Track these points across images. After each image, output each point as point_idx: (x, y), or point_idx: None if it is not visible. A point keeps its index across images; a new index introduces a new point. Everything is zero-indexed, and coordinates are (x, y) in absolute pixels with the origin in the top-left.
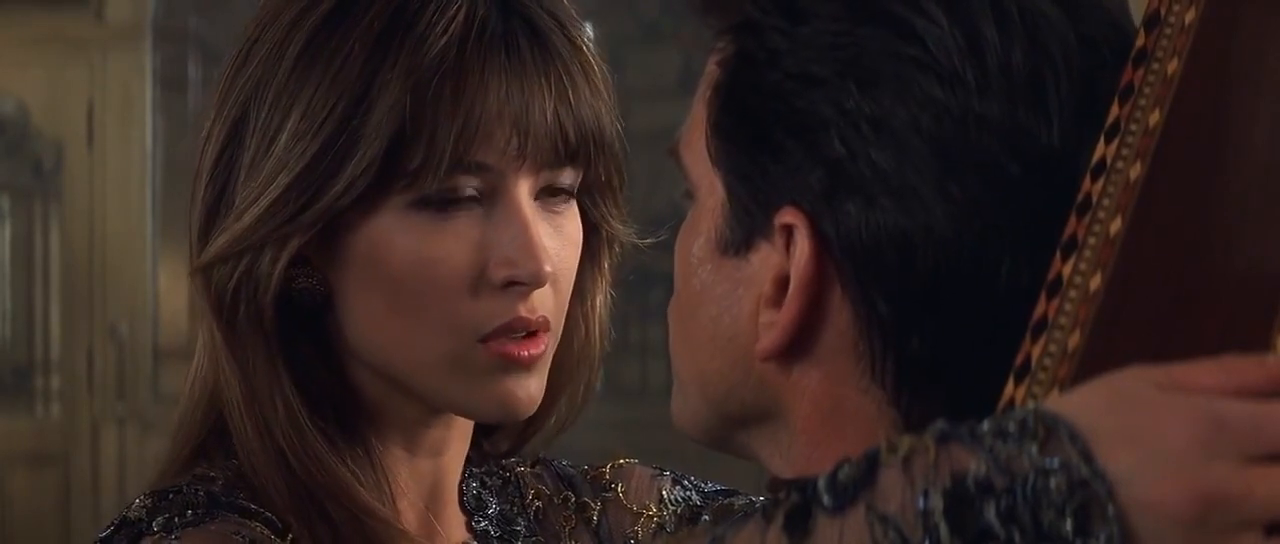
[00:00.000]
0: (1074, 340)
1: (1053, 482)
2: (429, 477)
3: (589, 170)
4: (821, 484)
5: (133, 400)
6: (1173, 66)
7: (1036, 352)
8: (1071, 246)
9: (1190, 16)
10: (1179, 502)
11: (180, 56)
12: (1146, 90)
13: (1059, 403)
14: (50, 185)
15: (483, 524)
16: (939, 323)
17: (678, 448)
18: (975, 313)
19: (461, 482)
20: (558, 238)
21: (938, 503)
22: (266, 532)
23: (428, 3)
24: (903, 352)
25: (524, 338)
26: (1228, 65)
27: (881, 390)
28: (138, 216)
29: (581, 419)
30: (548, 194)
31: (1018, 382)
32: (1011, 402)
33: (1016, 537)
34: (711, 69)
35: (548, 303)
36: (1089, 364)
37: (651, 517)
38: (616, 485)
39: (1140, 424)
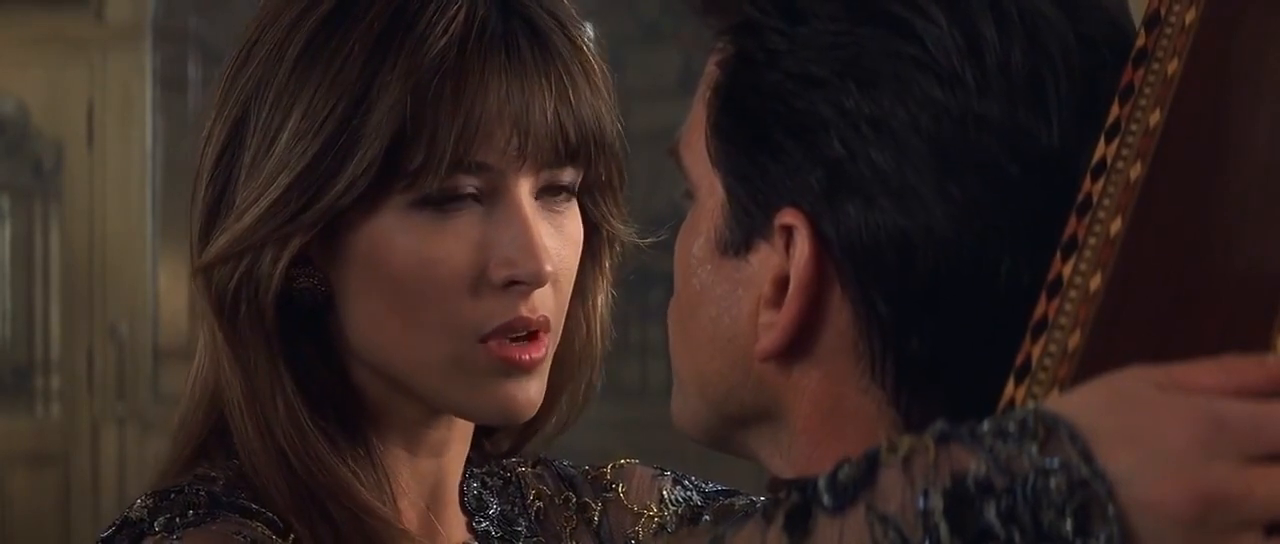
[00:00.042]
0: (1074, 340)
1: (1053, 482)
2: (430, 477)
3: (589, 170)
4: (821, 484)
5: (133, 400)
6: (1173, 66)
7: (1036, 352)
8: (1071, 246)
9: (1190, 16)
10: (1179, 502)
11: (180, 56)
12: (1147, 90)
13: (1059, 403)
14: (50, 185)
15: (484, 525)
16: (938, 323)
17: (678, 448)
18: (975, 313)
19: (462, 482)
20: (558, 237)
21: (938, 503)
22: (268, 532)
23: (428, 3)
24: (902, 352)
25: (525, 342)
26: (1228, 65)
27: (881, 390)
28: (138, 216)
29: (582, 419)
30: (548, 194)
31: (1018, 382)
32: (1011, 402)
33: (1016, 537)
34: (711, 70)
35: (548, 302)
36: (1089, 364)
37: (652, 517)
38: (617, 486)
39: (1140, 424)
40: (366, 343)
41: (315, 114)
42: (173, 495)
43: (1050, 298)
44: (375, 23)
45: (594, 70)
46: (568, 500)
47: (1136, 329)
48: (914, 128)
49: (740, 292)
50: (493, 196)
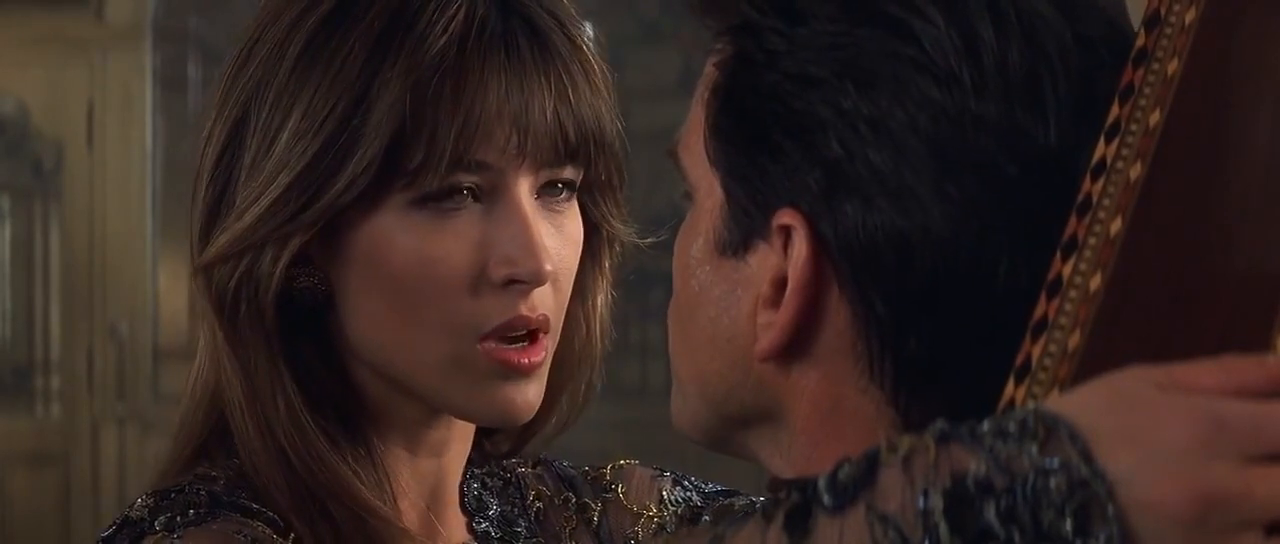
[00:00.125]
0: (1074, 340)
1: (1053, 482)
2: (430, 477)
3: (589, 169)
4: (821, 484)
5: (133, 400)
6: (1173, 66)
7: (1036, 352)
8: (1071, 246)
9: (1190, 16)
10: (1179, 502)
11: (180, 56)
12: (1146, 90)
13: (1059, 403)
14: (50, 185)
15: (483, 525)
16: (937, 323)
17: (678, 448)
18: (973, 313)
19: (462, 483)
20: (558, 237)
21: (938, 503)
22: (268, 531)
23: (428, 2)
24: (900, 352)
25: (524, 344)
26: (1228, 65)
27: (880, 391)
28: (138, 216)
29: (581, 419)
30: (548, 193)
31: (1018, 382)
32: (1011, 402)
33: (1016, 537)
34: (709, 71)
35: (548, 302)
36: (1089, 364)
37: (652, 517)
38: (617, 486)
39: (1140, 424)
40: (366, 342)
41: (315, 113)
42: (173, 495)
43: (1050, 298)
44: (375, 22)
45: (593, 70)
46: (567, 501)
47: (1136, 329)
48: (912, 128)
49: (739, 292)
50: (492, 195)
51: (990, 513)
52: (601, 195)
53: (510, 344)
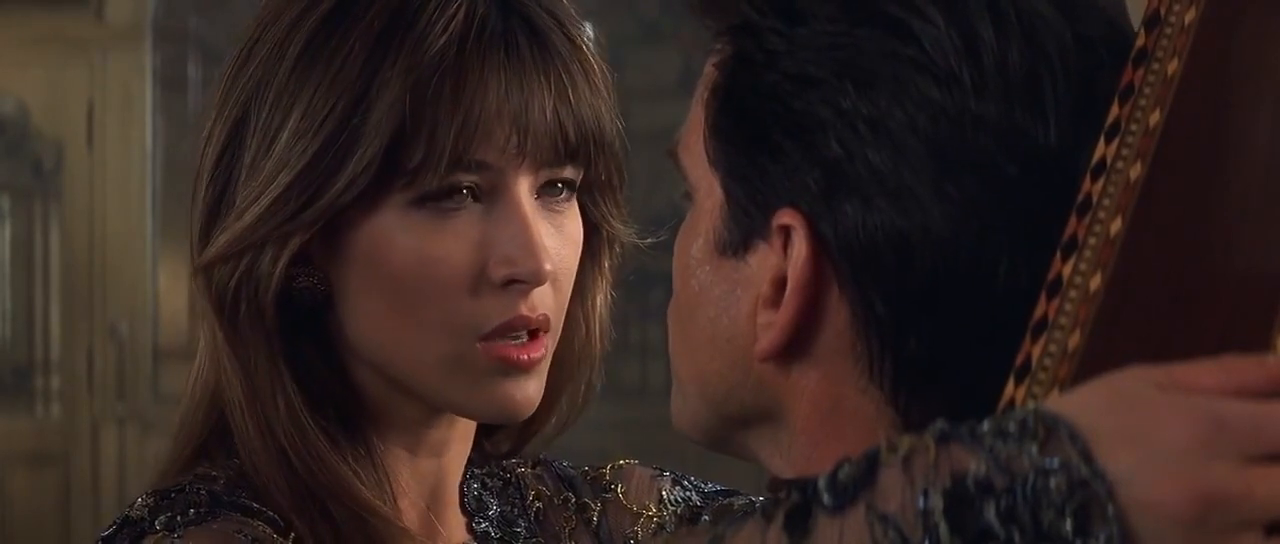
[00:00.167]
0: (1074, 340)
1: (1053, 482)
2: (430, 477)
3: (589, 169)
4: (822, 484)
5: (133, 400)
6: (1173, 66)
7: (1036, 352)
8: (1071, 246)
9: (1190, 16)
10: (1179, 502)
11: (180, 56)
12: (1146, 90)
13: (1059, 403)
14: (50, 185)
15: (483, 525)
16: (936, 323)
17: (678, 448)
18: (973, 313)
19: (462, 483)
20: (558, 237)
21: (938, 503)
22: (269, 531)
23: (427, 2)
24: (900, 352)
25: (524, 342)
26: (1228, 65)
27: (879, 391)
28: (138, 216)
29: (581, 419)
30: (548, 193)
31: (1018, 382)
32: (1011, 402)
33: (1016, 537)
34: (709, 71)
35: (548, 301)
36: (1089, 364)
37: (651, 517)
38: (616, 486)
39: (1140, 424)
40: (366, 342)
41: (315, 113)
42: (174, 494)
43: (1050, 298)
44: (375, 22)
45: (593, 69)
46: (567, 501)
47: (1136, 329)
48: (911, 128)
49: (739, 292)
50: (492, 195)
51: (990, 513)
52: (601, 195)
53: (511, 340)
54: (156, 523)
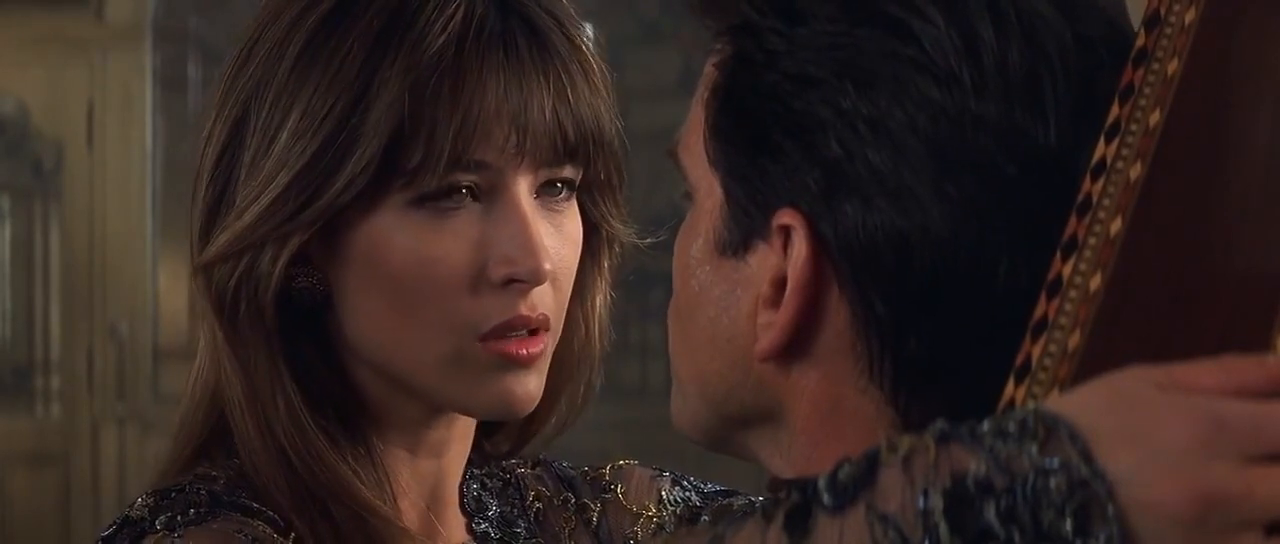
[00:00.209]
0: (1074, 340)
1: (1053, 482)
2: (430, 477)
3: (588, 169)
4: (822, 484)
5: (133, 400)
6: (1173, 66)
7: (1036, 352)
8: (1071, 246)
9: (1190, 16)
10: (1179, 502)
11: (180, 56)
12: (1146, 90)
13: (1059, 403)
14: (50, 185)
15: (483, 526)
16: (936, 323)
17: (678, 448)
18: (972, 313)
19: (462, 483)
20: (557, 236)
21: (938, 503)
22: (269, 531)
23: (426, 2)
24: (900, 352)
25: (524, 337)
26: (1228, 65)
27: (879, 391)
28: (138, 216)
29: (581, 419)
30: (547, 193)
31: (1018, 382)
32: (1011, 402)
33: (1016, 537)
34: (709, 71)
35: (547, 301)
36: (1089, 364)
37: (651, 517)
38: (616, 486)
39: (1140, 424)
40: (366, 341)
41: (314, 113)
42: (174, 494)
43: (1050, 298)
44: (374, 22)
45: (593, 69)
46: (567, 501)
47: (1136, 329)
48: (911, 128)
49: (739, 292)
50: (491, 195)
51: (990, 513)
52: (601, 195)
53: (510, 336)
54: (157, 523)
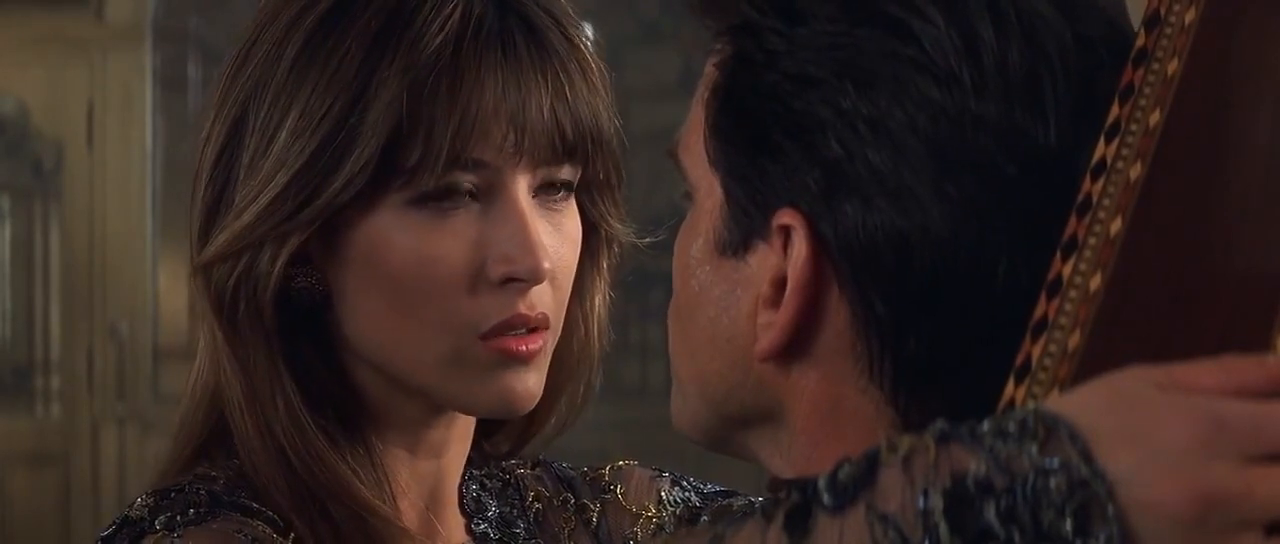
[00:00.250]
0: (1074, 340)
1: (1053, 482)
2: (429, 478)
3: (587, 168)
4: (822, 483)
5: (133, 400)
6: (1173, 66)
7: (1036, 352)
8: (1071, 246)
9: (1190, 16)
10: (1179, 502)
11: (180, 56)
12: (1146, 90)
13: (1059, 403)
14: (50, 185)
15: (482, 527)
16: (936, 323)
17: (678, 448)
18: (972, 313)
19: (461, 484)
20: (556, 235)
21: (938, 503)
22: (269, 531)
23: (424, 2)
24: (900, 352)
25: (523, 334)
26: (1228, 65)
27: (879, 391)
28: (138, 216)
29: (581, 420)
30: (546, 192)
31: (1018, 382)
32: (1011, 402)
33: (1016, 537)
34: (709, 71)
35: (547, 300)
36: (1089, 364)
37: (650, 518)
38: (615, 487)
39: (1140, 424)
40: (365, 341)
41: (313, 113)
42: (173, 494)
43: (1050, 298)
44: (372, 21)
45: (591, 68)
46: (566, 502)
47: (1136, 329)
48: (911, 128)
49: (739, 292)
50: (489, 194)
51: (990, 513)
52: (599, 194)
53: (510, 334)
54: (156, 523)
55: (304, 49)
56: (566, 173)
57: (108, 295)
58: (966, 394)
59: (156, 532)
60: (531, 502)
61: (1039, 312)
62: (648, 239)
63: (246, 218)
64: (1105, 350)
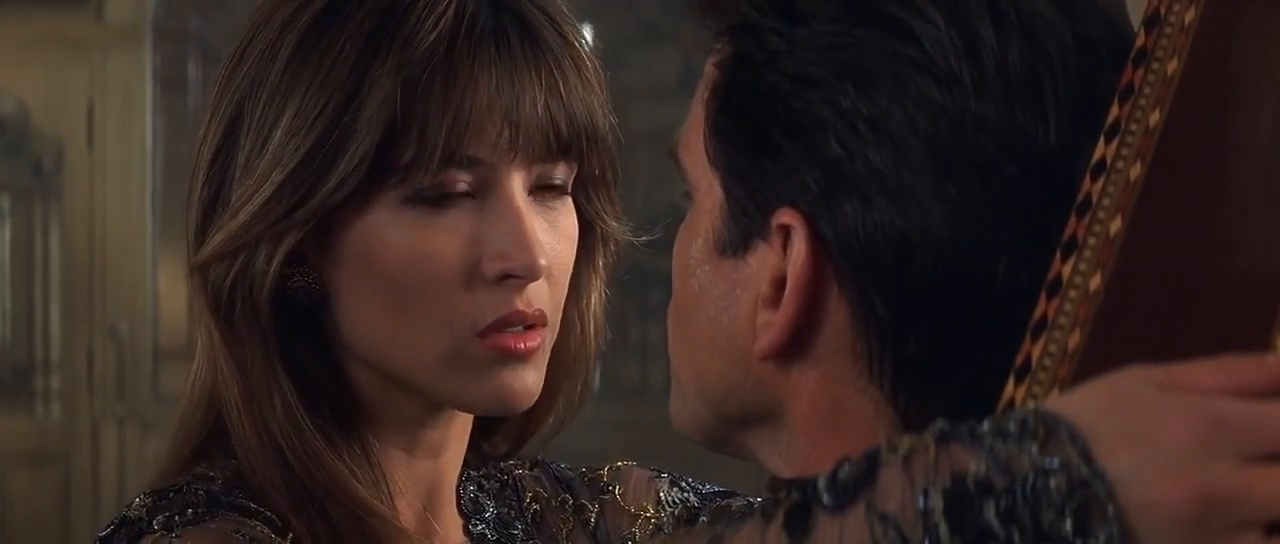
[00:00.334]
0: (1074, 340)
1: (1053, 482)
2: (427, 478)
3: (582, 165)
4: (822, 483)
5: (133, 400)
6: (1173, 66)
7: (1036, 352)
8: (1071, 247)
9: (1190, 16)
10: (1179, 502)
11: (180, 56)
12: (1146, 90)
13: (1059, 403)
14: (50, 185)
15: (480, 527)
16: (936, 323)
17: (677, 448)
18: (972, 313)
19: (459, 485)
20: (553, 233)
21: (938, 502)
22: (267, 530)
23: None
24: (900, 352)
25: (521, 331)
26: (1228, 65)
27: (879, 390)
28: (138, 217)
29: (580, 420)
30: (542, 189)
31: (1018, 382)
32: (1011, 402)
33: (1016, 537)
34: (709, 71)
35: (543, 297)
36: (1089, 364)
37: (649, 518)
38: (614, 487)
39: (1140, 424)
40: (362, 340)
41: (307, 112)
42: (171, 494)
43: (1050, 298)
44: (366, 20)
45: (585, 65)
46: (564, 502)
47: (1136, 329)
48: (911, 128)
49: (738, 292)
50: (485, 191)
51: (990, 513)
52: (595, 192)
53: (507, 330)
54: (154, 523)
55: (298, 48)
56: (562, 170)
57: (108, 295)
58: (966, 394)
59: (154, 532)
60: (529, 502)
61: (1039, 312)
62: (644, 237)
63: (242, 217)
64: (1105, 350)
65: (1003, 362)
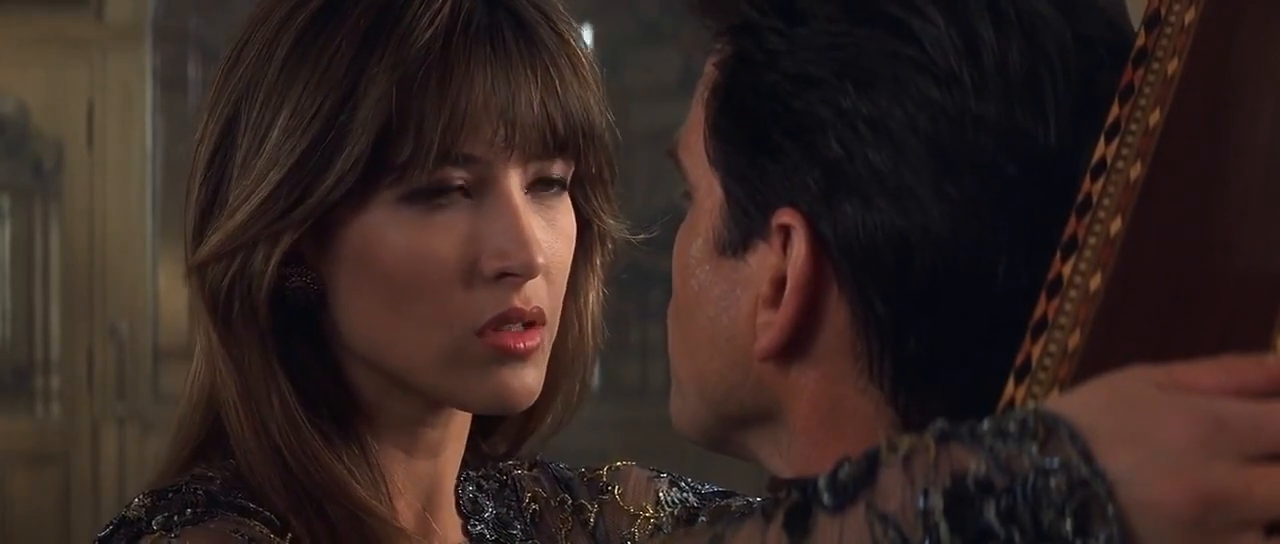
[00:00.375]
0: (1074, 340)
1: (1053, 482)
2: (426, 478)
3: (579, 162)
4: (822, 483)
5: (133, 400)
6: (1173, 66)
7: (1036, 352)
8: (1071, 246)
9: (1190, 16)
10: (1179, 502)
11: (180, 56)
12: (1146, 90)
13: (1059, 403)
14: (50, 185)
15: (478, 528)
16: (936, 323)
17: (677, 448)
18: (972, 313)
19: (458, 485)
20: (550, 230)
21: (938, 502)
22: (266, 530)
23: None
24: (900, 352)
25: (520, 329)
26: (1228, 65)
27: (879, 390)
28: (138, 217)
29: (580, 420)
30: (540, 187)
31: (1018, 382)
32: (1011, 402)
33: (1016, 536)
34: (709, 71)
35: (542, 295)
36: (1089, 364)
37: (648, 518)
38: (613, 487)
39: (1140, 424)
40: (360, 339)
41: (304, 111)
42: (170, 494)
43: (1050, 298)
44: (362, 19)
45: (582, 63)
46: (563, 502)
47: (1136, 329)
48: (911, 128)
49: (738, 292)
50: (481, 189)
51: (990, 513)
52: (592, 190)
53: (506, 329)
54: (153, 523)
55: (295, 48)
56: (558, 168)
57: (108, 295)
58: (966, 394)
59: (154, 532)
60: (528, 503)
61: (1039, 311)
62: (641, 235)
63: (239, 217)
64: (1105, 350)
65: (1003, 362)
